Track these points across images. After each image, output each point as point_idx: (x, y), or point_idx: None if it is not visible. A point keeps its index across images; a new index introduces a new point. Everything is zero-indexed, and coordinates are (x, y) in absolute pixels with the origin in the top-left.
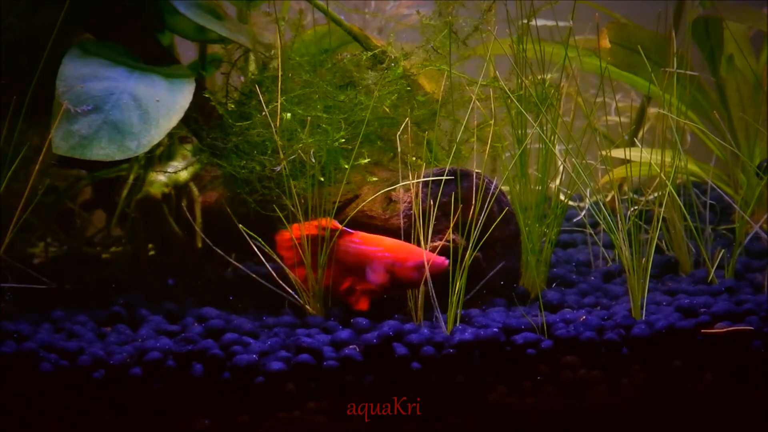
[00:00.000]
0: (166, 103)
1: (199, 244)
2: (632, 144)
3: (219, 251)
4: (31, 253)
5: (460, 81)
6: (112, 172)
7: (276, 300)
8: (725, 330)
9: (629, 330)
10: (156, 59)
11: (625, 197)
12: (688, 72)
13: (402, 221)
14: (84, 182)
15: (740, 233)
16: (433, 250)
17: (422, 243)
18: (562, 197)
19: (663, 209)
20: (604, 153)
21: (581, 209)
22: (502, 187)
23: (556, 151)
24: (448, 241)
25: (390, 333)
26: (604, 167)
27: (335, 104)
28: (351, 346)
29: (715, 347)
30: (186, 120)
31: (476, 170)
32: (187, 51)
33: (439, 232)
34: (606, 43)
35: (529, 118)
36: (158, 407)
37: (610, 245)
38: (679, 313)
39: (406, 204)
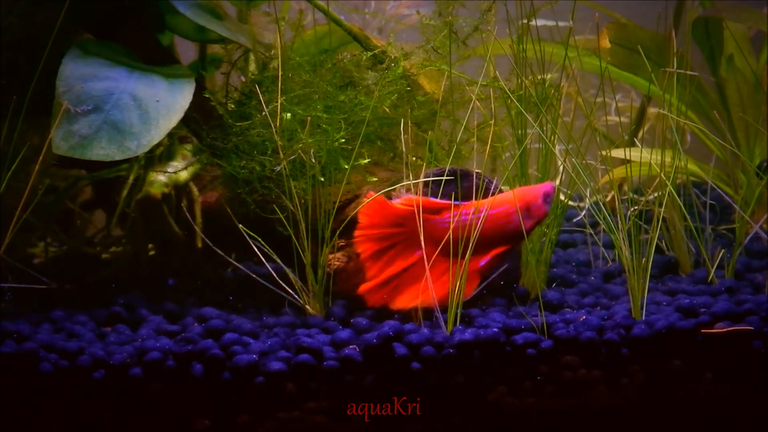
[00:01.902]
0: (166, 103)
1: (199, 244)
2: (632, 144)
3: (219, 251)
4: (31, 253)
5: (460, 81)
6: (112, 172)
7: (276, 300)
8: (725, 330)
9: (629, 330)
10: (156, 59)
11: (625, 197)
12: (688, 72)
13: None
14: (84, 182)
15: (740, 233)
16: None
17: (422, 243)
18: (562, 197)
19: (663, 209)
20: (604, 153)
21: (581, 209)
22: (502, 187)
23: (556, 151)
24: None
25: (390, 333)
26: (604, 167)
27: (335, 104)
28: (351, 346)
29: (715, 347)
30: (186, 120)
31: (476, 170)
32: (187, 51)
33: None
34: (606, 43)
35: (529, 118)
36: (158, 407)
37: (610, 245)
38: (679, 313)
39: None
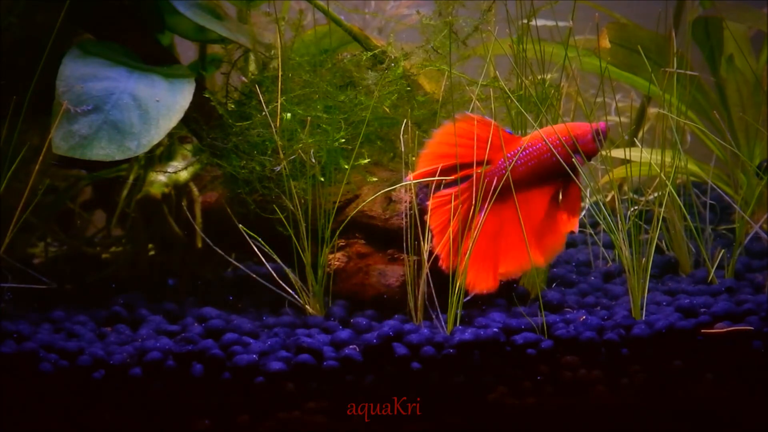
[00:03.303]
0: (166, 103)
1: (199, 244)
2: (632, 144)
3: (219, 251)
4: (31, 253)
5: (460, 81)
6: (112, 172)
7: (276, 300)
8: (725, 330)
9: (629, 330)
10: (156, 59)
11: (625, 197)
12: (688, 72)
13: (402, 221)
14: (84, 182)
15: (740, 233)
16: (433, 250)
17: (422, 243)
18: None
19: (663, 209)
20: (604, 153)
21: (581, 209)
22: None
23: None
24: None
25: (390, 333)
26: (604, 167)
27: (335, 104)
28: (351, 346)
29: (715, 347)
30: (186, 120)
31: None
32: (187, 51)
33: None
34: (606, 43)
35: (529, 118)
36: (158, 407)
37: (610, 245)
38: (679, 313)
39: (406, 204)
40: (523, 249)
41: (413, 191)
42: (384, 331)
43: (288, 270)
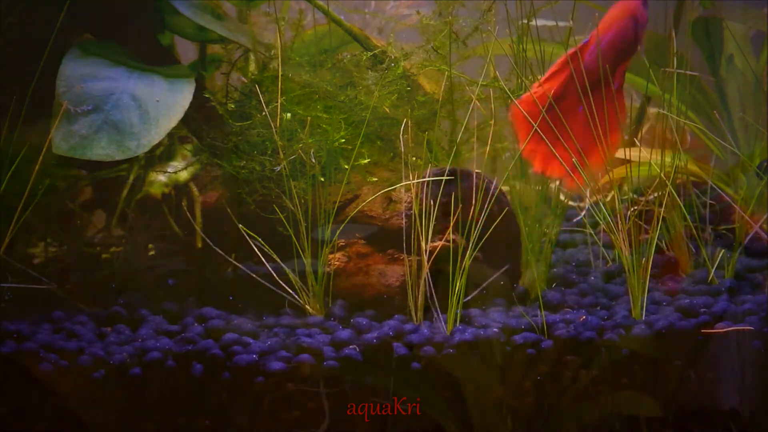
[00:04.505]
0: (166, 103)
1: (199, 244)
2: (632, 144)
3: (219, 251)
4: (31, 253)
5: (460, 81)
6: (112, 172)
7: (276, 300)
8: (725, 330)
9: (629, 330)
10: (156, 59)
11: (625, 197)
12: (688, 72)
13: (402, 221)
14: (84, 182)
15: (740, 233)
16: (433, 250)
17: (422, 243)
18: (562, 197)
19: (663, 209)
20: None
21: (581, 209)
22: (502, 187)
23: (555, 152)
24: (448, 241)
25: (390, 333)
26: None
27: (335, 104)
28: (351, 346)
29: (715, 347)
30: (186, 120)
31: (476, 170)
32: (187, 51)
33: (439, 232)
34: None
35: (529, 119)
36: (158, 407)
37: (610, 245)
38: (679, 313)
39: (406, 204)
40: (593, 147)
41: (414, 191)
42: (384, 331)
43: (288, 270)
